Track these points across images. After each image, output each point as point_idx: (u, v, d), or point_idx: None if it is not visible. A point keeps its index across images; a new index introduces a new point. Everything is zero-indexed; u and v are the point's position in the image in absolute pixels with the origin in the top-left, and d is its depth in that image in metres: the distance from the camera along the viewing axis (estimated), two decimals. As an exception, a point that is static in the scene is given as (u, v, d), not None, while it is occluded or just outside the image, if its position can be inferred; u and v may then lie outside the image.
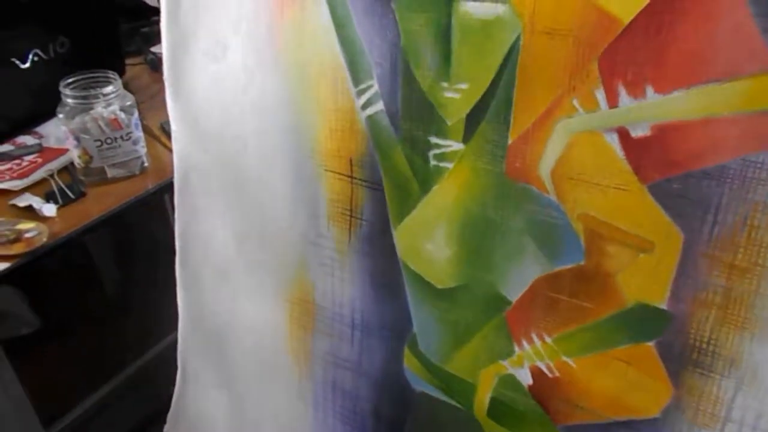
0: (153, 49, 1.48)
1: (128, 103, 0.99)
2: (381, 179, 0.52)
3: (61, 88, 0.97)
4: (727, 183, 0.39)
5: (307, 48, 0.51)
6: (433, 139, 0.48)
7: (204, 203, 0.64)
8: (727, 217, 0.39)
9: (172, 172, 0.66)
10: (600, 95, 0.41)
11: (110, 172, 1.01)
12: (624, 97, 0.40)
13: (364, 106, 0.50)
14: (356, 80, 0.50)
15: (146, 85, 1.37)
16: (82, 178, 1.01)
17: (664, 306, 0.43)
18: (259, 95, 0.55)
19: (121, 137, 0.98)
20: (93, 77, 0.99)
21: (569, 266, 0.46)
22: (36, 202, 0.94)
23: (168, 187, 1.05)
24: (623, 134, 0.41)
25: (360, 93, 0.50)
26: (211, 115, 0.59)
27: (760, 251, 0.39)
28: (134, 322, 1.50)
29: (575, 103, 0.42)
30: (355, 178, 0.53)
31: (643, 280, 0.43)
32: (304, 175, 0.56)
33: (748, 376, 0.42)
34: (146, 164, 1.05)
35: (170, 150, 0.70)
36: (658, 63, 0.38)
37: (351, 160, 0.53)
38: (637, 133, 0.40)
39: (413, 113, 0.48)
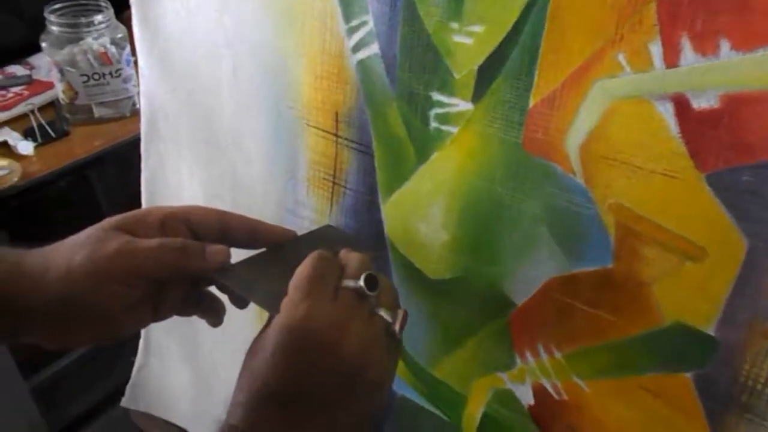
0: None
1: (119, 35, 0.90)
2: (371, 141, 0.43)
3: (46, 14, 0.88)
4: (818, 179, 0.29)
5: (291, -28, 0.41)
6: (436, 96, 0.39)
7: (172, 154, 0.55)
8: (810, 224, 0.29)
9: None
10: (656, 50, 0.31)
11: (97, 112, 0.93)
12: (688, 54, 0.30)
13: (356, 48, 0.41)
14: (348, 15, 0.40)
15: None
16: (67, 115, 0.93)
17: (711, 331, 0.33)
18: (235, 27, 0.46)
19: (110, 73, 0.89)
20: (82, 4, 0.90)
21: (593, 269, 0.36)
22: (13, 138, 0.86)
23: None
24: (682, 105, 0.31)
25: (351, 31, 0.40)
26: (182, 49, 0.50)
27: None
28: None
29: (621, 58, 0.32)
30: (341, 137, 0.44)
31: (688, 296, 0.34)
32: (283, 128, 0.47)
33: (814, 431, 0.32)
34: (138, 106, 0.96)
35: None
36: (740, 9, 0.28)
37: (337, 115, 0.44)
38: (701, 104, 0.30)
39: (414, 61, 0.39)
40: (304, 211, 0.48)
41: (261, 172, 0.49)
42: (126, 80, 0.91)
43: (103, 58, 0.88)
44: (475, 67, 0.37)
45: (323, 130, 0.45)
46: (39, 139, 0.87)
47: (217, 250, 0.38)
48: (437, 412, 0.47)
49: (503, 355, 0.42)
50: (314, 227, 0.48)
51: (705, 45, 0.29)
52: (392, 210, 0.44)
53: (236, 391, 0.35)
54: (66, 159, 0.87)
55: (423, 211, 0.42)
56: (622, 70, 0.32)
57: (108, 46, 0.88)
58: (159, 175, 0.57)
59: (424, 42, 0.38)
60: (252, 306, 0.40)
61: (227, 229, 0.41)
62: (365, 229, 0.45)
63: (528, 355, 0.41)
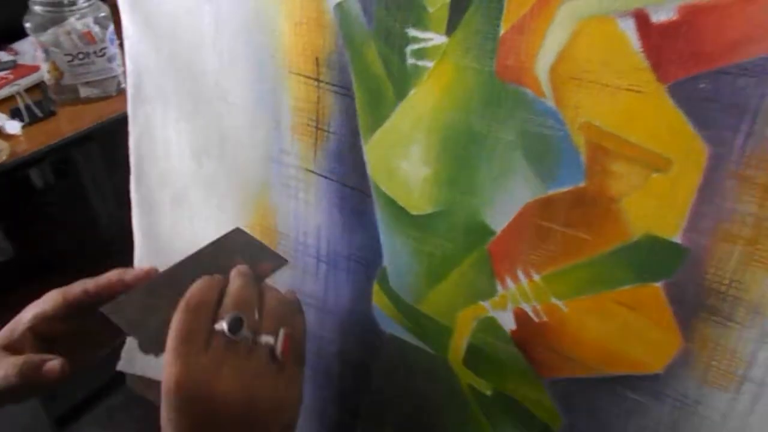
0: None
1: (102, 14, 0.91)
2: (351, 83, 0.44)
3: (28, -6, 0.88)
4: (770, 81, 0.30)
5: None
6: (411, 32, 0.40)
7: (159, 113, 0.56)
8: (766, 126, 0.31)
9: None
10: (616, -33, 0.32)
11: (83, 91, 0.93)
12: (646, -31, 0.31)
13: (333, -9, 0.42)
14: (324, -42, 0.42)
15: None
16: (53, 96, 0.93)
17: (678, 239, 0.35)
18: (216, -19, 0.47)
19: (95, 52, 0.90)
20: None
21: (566, 189, 0.38)
22: (0, 119, 0.87)
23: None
24: (642, 19, 0.32)
25: (328, -25, 0.42)
26: (162, 8, 0.51)
27: (807, 170, 0.31)
28: (119, 259, 1.45)
29: (584, -21, 0.33)
30: (322, 81, 0.45)
31: (655, 207, 0.35)
32: (266, 78, 0.48)
33: (776, 326, 0.34)
34: (123, 85, 0.97)
35: None
36: (693, -77, 0.30)
37: (317, 60, 0.45)
38: (660, 17, 0.32)
39: (389, -1, 0.40)
40: (289, 158, 0.50)
41: (246, 124, 0.51)
42: (110, 59, 0.92)
43: (87, 38, 0.89)
44: (448, 0, 0.38)
45: (305, 76, 0.46)
46: (26, 119, 0.87)
47: (52, 367, 0.41)
48: (425, 346, 0.49)
49: (485, 283, 0.43)
50: (300, 175, 0.50)
51: (661, -41, 0.31)
52: (374, 150, 0.45)
53: None
54: (53, 138, 0.88)
55: (404, 149, 0.44)
56: (586, -10, 0.33)
57: (92, 25, 0.89)
58: (146, 137, 0.58)
59: (398, -21, 0.39)
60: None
61: (69, 305, 0.44)
62: (349, 171, 0.47)
63: (509, 281, 0.42)
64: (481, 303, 0.44)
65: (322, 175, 0.49)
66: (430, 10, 0.39)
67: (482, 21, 0.37)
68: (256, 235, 0.51)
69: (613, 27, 0.33)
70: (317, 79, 0.46)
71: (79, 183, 1.08)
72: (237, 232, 0.48)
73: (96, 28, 0.90)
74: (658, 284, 0.37)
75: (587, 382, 0.42)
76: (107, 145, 0.92)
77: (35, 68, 0.98)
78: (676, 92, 0.33)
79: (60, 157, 0.88)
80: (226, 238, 0.47)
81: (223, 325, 0.37)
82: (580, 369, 0.42)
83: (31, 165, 0.84)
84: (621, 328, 0.39)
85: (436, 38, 0.39)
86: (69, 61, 0.89)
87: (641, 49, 0.33)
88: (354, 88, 0.44)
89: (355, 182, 0.47)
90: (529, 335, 0.43)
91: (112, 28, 0.92)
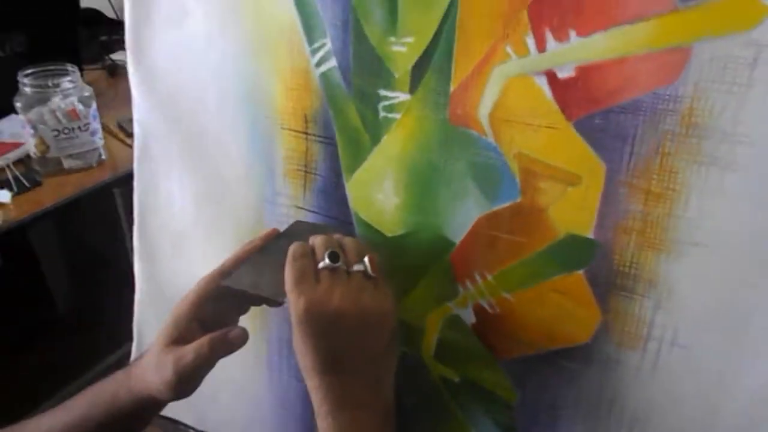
0: (112, 56, 1.50)
1: (86, 94, 1.01)
2: (334, 134, 0.56)
3: (19, 78, 0.98)
4: (641, 115, 0.44)
5: (265, 12, 0.55)
6: (382, 92, 0.52)
7: (163, 169, 0.66)
8: (642, 147, 0.44)
9: (128, 166, 0.68)
10: (530, 41, 0.46)
11: (67, 163, 1.02)
12: (551, 42, 0.45)
13: (318, 64, 0.54)
14: (311, 39, 0.54)
15: (104, 89, 1.39)
16: (38, 168, 1.02)
17: (591, 235, 0.47)
18: (219, 60, 0.59)
19: (79, 128, 0.99)
20: (51, 70, 1.01)
21: (507, 204, 0.50)
22: (-9, 189, 0.94)
23: (121, 182, 1.07)
24: (551, 76, 0.46)
25: (314, 52, 0.54)
26: (171, 81, 0.62)
27: (671, 176, 0.44)
28: (85, 337, 1.48)
29: (509, 49, 0.46)
30: (310, 134, 0.57)
31: (572, 212, 0.48)
32: (262, 135, 0.59)
33: (665, 294, 0.46)
34: (103, 157, 1.06)
35: (128, 146, 0.71)
36: (579, 10, 0.43)
37: (306, 117, 0.56)
38: (563, 74, 0.45)
39: (363, 68, 0.52)
40: (281, 198, 0.60)
41: (243, 173, 0.61)
42: (93, 133, 1.01)
43: (72, 115, 0.98)
44: (410, 68, 0.51)
45: (295, 131, 0.57)
46: (15, 189, 0.95)
47: (237, 333, 0.51)
48: (403, 348, 0.58)
49: (449, 287, 0.54)
50: (291, 212, 0.60)
51: (560, 34, 0.44)
52: (355, 186, 0.56)
53: (303, 371, 0.47)
54: (39, 206, 0.96)
55: (378, 183, 0.55)
56: (510, 57, 0.47)
57: (76, 103, 0.99)
58: (151, 189, 0.68)
59: (370, 53, 0.52)
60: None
61: (215, 294, 0.53)
62: (334, 205, 0.58)
63: (468, 283, 0.54)
64: (447, 304, 0.55)
65: (310, 210, 0.59)
66: (396, 75, 0.51)
67: (437, 82, 0.50)
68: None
69: (531, 83, 0.46)
70: (306, 133, 0.57)
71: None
72: (298, 222, 0.58)
73: (80, 106, 0.99)
74: (580, 272, 0.49)
75: (534, 359, 0.52)
76: (92, 210, 1.00)
77: (16, 144, 1.06)
78: (580, 126, 0.46)
79: (48, 221, 0.95)
80: (291, 227, 0.57)
81: (324, 261, 0.47)
82: (527, 347, 0.53)
83: (23, 229, 0.91)
84: (556, 310, 0.50)
85: (401, 96, 0.52)
86: (55, 136, 0.98)
87: (552, 98, 0.46)
88: (337, 138, 0.56)
89: (338, 214, 0.58)
90: (486, 326, 0.54)
91: (95, 105, 1.02)
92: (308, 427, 0.65)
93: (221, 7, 0.57)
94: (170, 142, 0.64)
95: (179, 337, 0.51)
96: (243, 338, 0.51)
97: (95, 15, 1.69)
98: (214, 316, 0.53)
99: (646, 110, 0.43)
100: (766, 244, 0.42)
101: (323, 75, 0.54)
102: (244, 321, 0.54)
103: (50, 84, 0.98)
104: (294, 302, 0.46)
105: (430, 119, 0.51)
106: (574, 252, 0.48)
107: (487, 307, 0.53)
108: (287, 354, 0.65)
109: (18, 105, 0.97)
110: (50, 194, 0.98)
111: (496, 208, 0.51)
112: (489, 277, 0.52)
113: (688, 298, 0.45)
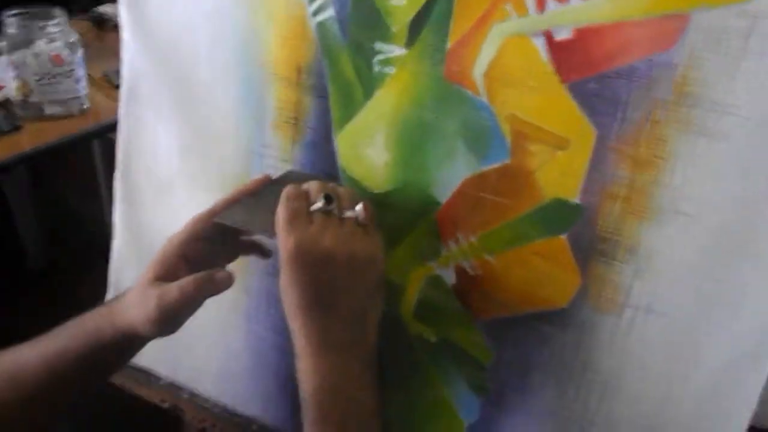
0: (99, 8, 1.47)
1: (72, 39, 0.99)
2: (327, 87, 0.55)
3: (3, 18, 0.95)
4: (635, 81, 0.44)
5: (264, -44, 0.54)
6: (378, 45, 0.52)
7: (151, 114, 0.65)
8: (634, 113, 0.45)
9: (111, 118, 0.66)
10: (530, 1, 0.46)
11: (48, 109, 1.00)
12: (551, 2, 0.45)
13: (315, 13, 0.54)
14: (309, -12, 0.53)
15: (91, 40, 1.36)
16: (19, 112, 0.99)
17: (576, 200, 0.48)
18: (214, 5, 0.58)
19: (63, 73, 0.97)
20: (37, 13, 0.99)
21: (495, 165, 0.50)
22: (-32, 129, 0.92)
23: (102, 132, 1.05)
24: (548, 37, 0.46)
25: (312, 0, 0.53)
26: (164, 24, 0.61)
27: (659, 144, 0.44)
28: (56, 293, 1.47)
29: (508, 8, 0.46)
30: (302, 85, 0.56)
31: (559, 176, 0.48)
32: (253, 84, 0.58)
33: (644, 261, 0.47)
34: (86, 106, 1.04)
35: (113, 99, 0.69)
36: (581, -28, 0.44)
37: (299, 67, 0.56)
38: (561, 36, 0.45)
39: (361, 20, 0.52)
40: (269, 150, 0.60)
41: (232, 123, 0.60)
42: (77, 80, 1.00)
43: (56, 60, 0.96)
44: (408, 21, 0.50)
45: (287, 80, 0.57)
46: (-8, 132, 0.93)
47: (223, 276, 0.50)
48: (381, 305, 0.59)
49: (433, 246, 0.55)
50: (278, 165, 0.60)
51: (561, -4, 0.45)
52: (344, 141, 0.56)
53: (288, 311, 0.47)
54: (16, 150, 0.94)
55: (369, 139, 0.55)
56: (510, 15, 0.47)
57: (61, 49, 0.96)
58: (135, 134, 0.67)
59: (368, 5, 0.51)
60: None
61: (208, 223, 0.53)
62: (321, 159, 0.57)
63: (451, 243, 0.54)
64: (429, 263, 0.55)
65: (298, 164, 0.59)
66: (394, 29, 0.51)
67: (434, 38, 0.50)
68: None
69: (528, 43, 0.46)
70: (298, 83, 0.57)
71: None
72: (291, 172, 0.58)
73: (66, 52, 0.97)
74: (563, 236, 0.49)
75: (510, 320, 0.53)
76: (71, 159, 0.98)
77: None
78: (574, 90, 0.46)
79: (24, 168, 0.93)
80: (284, 175, 0.57)
81: (318, 204, 0.47)
82: (504, 309, 0.53)
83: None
84: (536, 274, 0.51)
85: (397, 50, 0.51)
86: (38, 80, 0.96)
87: (548, 59, 0.46)
88: (329, 90, 0.55)
89: (325, 168, 0.57)
90: (466, 286, 0.54)
91: (81, 53, 1.00)
92: (283, 381, 0.66)
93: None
94: (159, 86, 0.63)
95: (165, 274, 0.50)
96: (228, 280, 0.51)
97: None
98: (202, 258, 0.53)
99: (640, 76, 0.44)
100: (748, 216, 0.43)
101: (320, 24, 0.54)
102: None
103: (36, 27, 0.95)
104: (284, 240, 0.46)
105: (425, 75, 0.51)
106: (559, 216, 0.49)
107: (468, 268, 0.54)
108: (266, 307, 0.65)
109: (1, 44, 0.95)
110: (29, 139, 0.96)
111: (484, 168, 0.51)
112: (473, 239, 0.53)
113: (667, 266, 0.46)
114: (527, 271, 0.51)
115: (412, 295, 0.57)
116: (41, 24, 0.96)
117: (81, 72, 1.00)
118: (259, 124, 0.60)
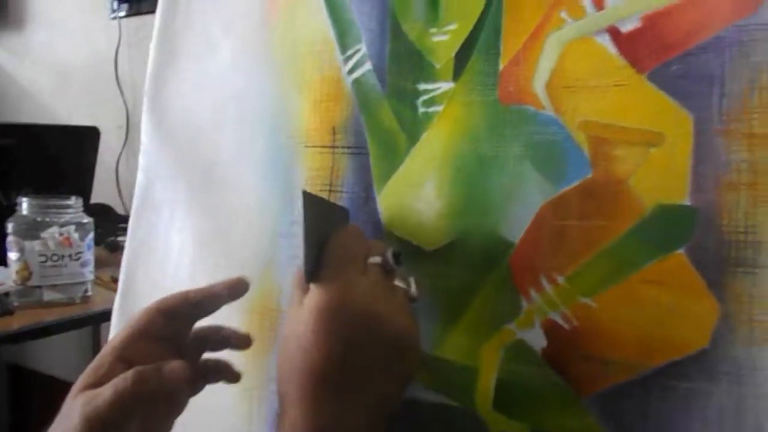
0: (117, 239, 1.48)
1: (85, 221, 0.95)
2: (365, 142, 0.49)
3: (18, 200, 0.93)
4: (726, 52, 0.38)
5: (295, 29, 0.53)
6: (422, 86, 0.48)
7: (165, 217, 0.58)
8: (733, 86, 0.38)
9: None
10: (586, 1, 0.42)
11: (47, 295, 0.92)
12: (610, -4, 0.42)
13: (351, 70, 0.50)
14: (344, 47, 0.51)
15: (103, 259, 1.33)
16: (14, 300, 0.91)
17: (687, 201, 0.39)
18: (242, 85, 0.55)
19: (69, 256, 0.91)
20: (53, 199, 0.96)
21: (575, 184, 0.42)
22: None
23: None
24: (614, 32, 0.41)
25: (347, 59, 0.51)
26: (188, 115, 0.57)
27: (776, 110, 0.37)
28: None
29: (563, 15, 0.43)
30: (337, 147, 0.50)
31: (659, 178, 0.39)
32: (282, 157, 0.53)
33: (800, 257, 0.36)
34: (89, 293, 0.96)
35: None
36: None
37: (334, 129, 0.51)
38: (628, 27, 0.41)
39: (401, 65, 0.48)
40: (298, 228, 0.51)
41: (255, 203, 0.53)
42: (83, 264, 0.93)
43: (64, 242, 0.91)
44: (453, 55, 0.47)
45: (320, 146, 0.51)
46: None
47: (173, 367, 0.38)
48: (447, 399, 0.44)
49: (509, 302, 0.43)
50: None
51: (620, -13, 0.42)
52: (388, 196, 0.48)
53: (279, 374, 0.38)
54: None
55: (417, 189, 0.47)
56: (566, 22, 0.43)
57: (72, 232, 0.92)
58: (145, 247, 0.58)
59: (408, 49, 0.48)
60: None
61: (166, 316, 0.43)
62: (361, 223, 0.49)
63: (532, 292, 0.42)
64: (507, 326, 0.43)
65: (333, 237, 0.50)
66: (438, 66, 0.47)
67: (483, 64, 0.45)
68: (254, 319, 0.49)
69: (592, 42, 0.42)
70: (333, 146, 0.51)
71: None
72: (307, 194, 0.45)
73: (75, 235, 0.93)
74: (681, 251, 0.38)
75: (633, 386, 0.39)
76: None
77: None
78: (655, 78, 0.40)
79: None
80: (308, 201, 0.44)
81: (384, 257, 0.40)
82: (621, 372, 0.39)
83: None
84: (655, 309, 0.39)
85: (443, 86, 0.47)
86: (42, 262, 0.90)
87: (618, 53, 0.41)
88: (368, 145, 0.49)
89: (366, 233, 0.48)
90: (561, 347, 0.41)
91: (92, 235, 0.95)
92: None
93: (248, 35, 0.55)
94: (177, 182, 0.57)
95: (98, 382, 0.38)
96: (182, 374, 0.38)
97: (104, 209, 1.71)
98: (150, 362, 0.39)
99: (730, 45, 0.38)
100: None
101: (356, 81, 0.50)
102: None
103: (50, 213, 0.92)
104: (327, 279, 0.39)
105: (478, 103, 0.45)
106: (669, 226, 0.39)
107: (561, 321, 0.41)
108: None
109: (10, 225, 0.91)
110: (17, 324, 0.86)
111: (562, 191, 0.42)
112: (560, 280, 0.42)
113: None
114: (641, 307, 0.39)
115: (488, 377, 0.43)
116: (55, 211, 0.93)
117: (89, 256, 0.94)
118: (287, 200, 0.52)
